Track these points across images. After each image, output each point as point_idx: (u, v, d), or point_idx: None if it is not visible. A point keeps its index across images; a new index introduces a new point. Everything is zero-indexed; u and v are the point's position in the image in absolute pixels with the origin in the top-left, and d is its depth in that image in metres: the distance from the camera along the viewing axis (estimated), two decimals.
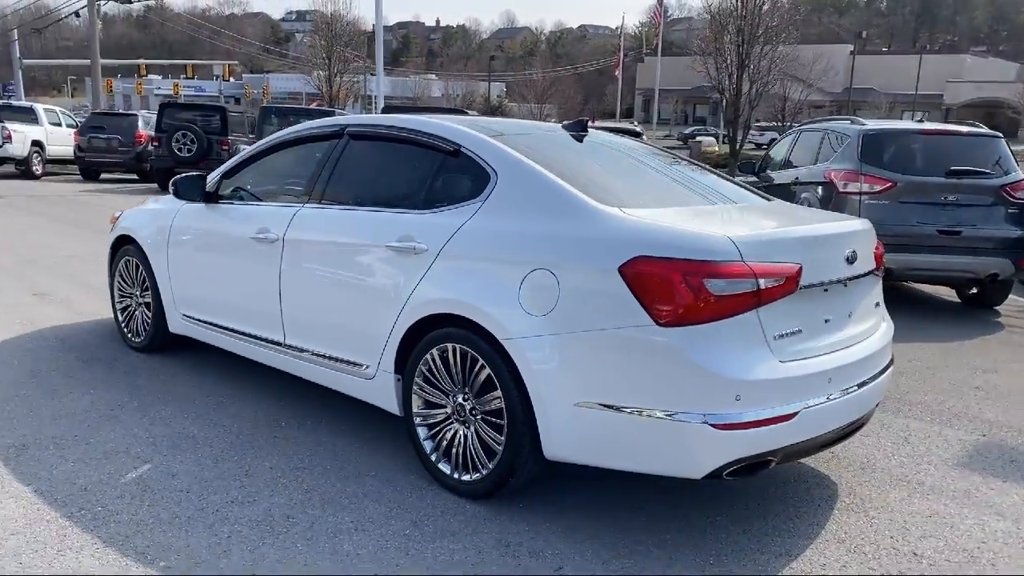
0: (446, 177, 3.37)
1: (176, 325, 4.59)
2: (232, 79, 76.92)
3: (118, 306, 5.03)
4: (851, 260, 2.99)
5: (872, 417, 3.36)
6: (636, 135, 9.61)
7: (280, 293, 3.77)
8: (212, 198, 4.32)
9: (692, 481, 2.78)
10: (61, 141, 18.45)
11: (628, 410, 2.66)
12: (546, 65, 76.26)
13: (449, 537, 2.81)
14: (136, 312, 4.88)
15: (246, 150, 4.41)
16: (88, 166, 17.93)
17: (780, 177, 8.38)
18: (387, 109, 18.86)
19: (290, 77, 69.40)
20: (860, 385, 2.99)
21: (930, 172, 6.82)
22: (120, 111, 23.79)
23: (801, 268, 2.75)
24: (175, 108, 17.32)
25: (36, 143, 17.67)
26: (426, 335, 3.16)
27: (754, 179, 9.17)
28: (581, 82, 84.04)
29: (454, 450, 3.12)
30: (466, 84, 73.07)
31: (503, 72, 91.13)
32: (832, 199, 6.94)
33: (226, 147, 15.57)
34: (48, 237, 9.44)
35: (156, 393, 4.16)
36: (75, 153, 17.91)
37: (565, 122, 3.90)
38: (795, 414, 2.69)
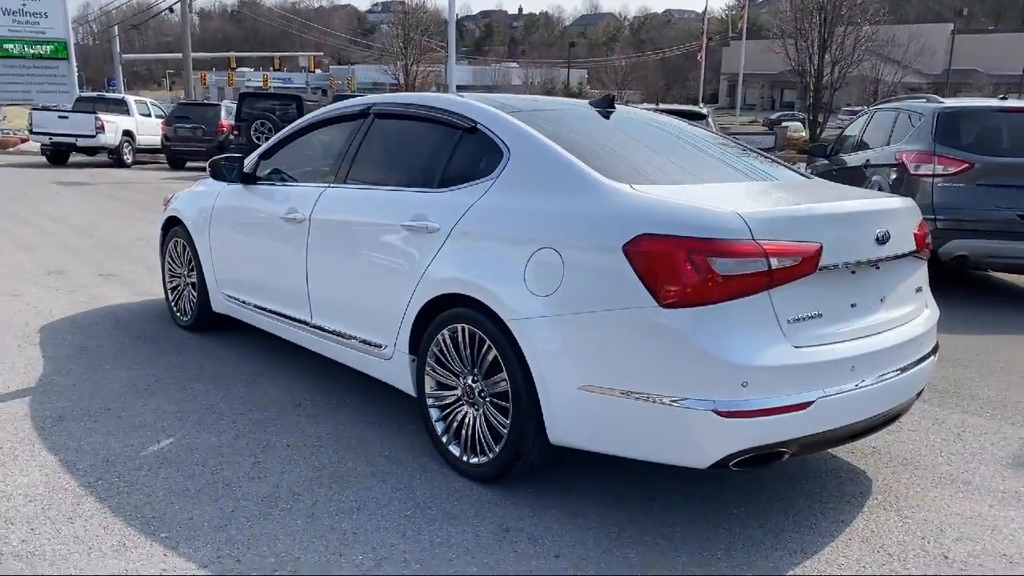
0: (462, 155, 3.31)
1: (218, 305, 4.69)
2: (320, 71, 78.87)
3: (168, 286, 5.18)
4: (882, 240, 2.78)
5: (912, 407, 3.14)
6: (699, 117, 9.32)
7: (307, 272, 3.80)
8: (250, 179, 4.38)
9: (710, 471, 2.65)
10: (150, 131, 19.25)
11: (631, 395, 2.55)
12: (629, 51, 75.24)
13: (450, 520, 2.76)
14: (184, 291, 5.02)
15: (282, 131, 4.46)
16: (174, 154, 18.64)
17: (852, 159, 8.00)
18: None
19: (374, 68, 70.64)
20: (892, 374, 2.79)
21: (1012, 153, 6.37)
22: (204, 101, 24.62)
23: (821, 248, 2.57)
24: (254, 98, 17.81)
25: (127, 133, 18.49)
26: (438, 315, 3.11)
27: (825, 162, 8.79)
28: (665, 67, 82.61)
29: (464, 432, 3.07)
30: (545, 71, 72.74)
31: (585, 59, 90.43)
32: (903, 182, 6.57)
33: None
34: (125, 222, 9.85)
35: (193, 370, 4.25)
36: (162, 142, 18.65)
37: (591, 99, 3.77)
38: (810, 403, 2.52)
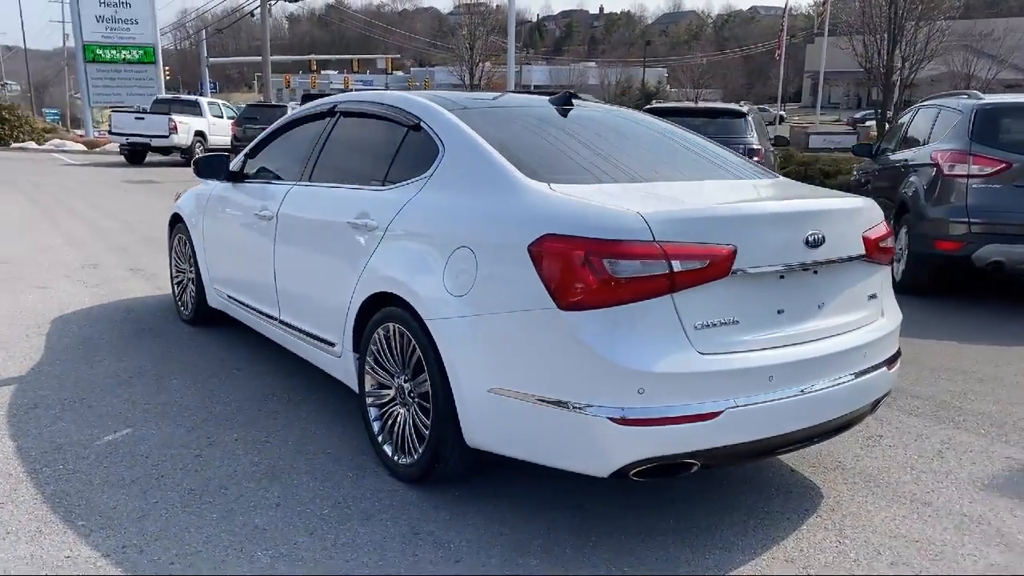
0: (406, 152, 3.29)
1: (213, 300, 4.81)
2: (401, 72, 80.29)
3: (174, 281, 5.35)
4: (815, 243, 2.62)
5: (895, 421, 2.98)
6: (739, 115, 9.04)
7: (274, 269, 3.85)
8: (237, 177, 4.47)
9: (643, 482, 2.55)
10: (222, 132, 19.97)
11: (536, 399, 2.48)
12: (710, 49, 73.79)
13: (363, 521, 2.75)
14: (187, 287, 5.16)
15: (266, 130, 4.53)
16: None
17: (893, 159, 7.62)
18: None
19: (452, 70, 71.67)
20: (825, 386, 2.63)
21: None
22: (272, 103, 25.35)
23: (735, 250, 2.45)
24: (311, 99, 18.19)
25: (199, 133, 19.23)
26: (374, 314, 3.11)
27: (868, 161, 8.42)
28: (748, 66, 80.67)
29: (395, 432, 3.06)
30: (622, 70, 72.06)
31: (666, 57, 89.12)
32: (938, 183, 6.22)
33: None
34: None
35: (180, 363, 4.37)
36: (231, 142, 19.29)
37: (551, 96, 3.68)
38: (718, 413, 2.39)
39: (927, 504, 2.98)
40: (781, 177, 3.49)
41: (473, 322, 2.63)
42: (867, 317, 2.89)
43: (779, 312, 2.61)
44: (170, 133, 18.16)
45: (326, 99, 4.08)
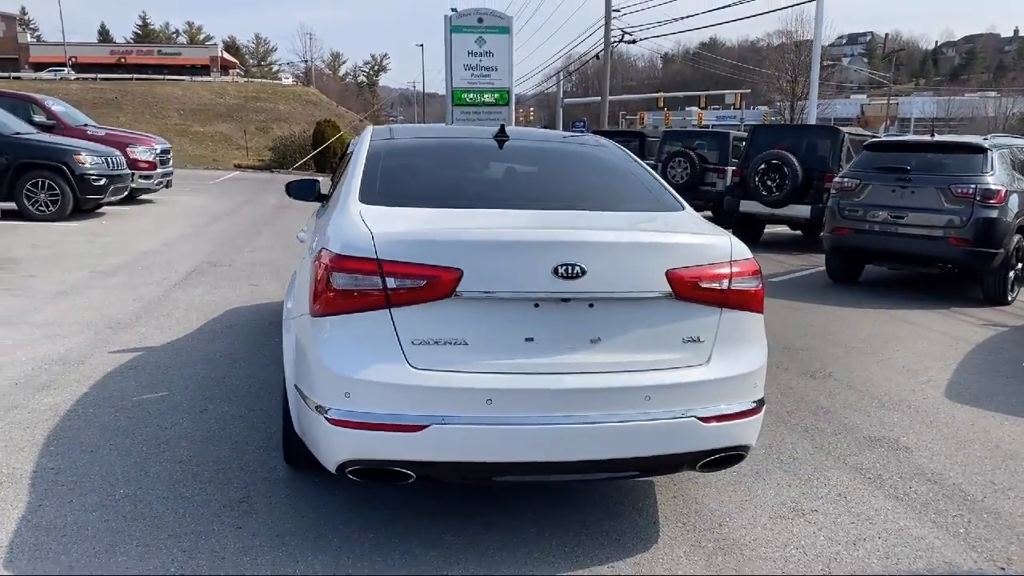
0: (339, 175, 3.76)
1: None
2: (766, 107, 78.24)
3: None
4: (568, 275, 2.53)
5: (676, 470, 2.84)
6: (977, 150, 7.72)
7: None
8: (324, 199, 5.27)
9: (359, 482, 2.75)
10: None
11: (302, 394, 2.76)
12: None
13: (173, 502, 3.15)
14: None
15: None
16: None
17: None
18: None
19: (834, 103, 68.11)
20: (582, 422, 2.54)
21: None
22: None
23: (461, 274, 2.51)
24: (601, 135, 18.95)
25: None
26: None
27: None
28: None
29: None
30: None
31: None
32: None
33: None
34: None
35: (207, 352, 5.24)
36: None
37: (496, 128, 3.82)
38: (424, 427, 2.48)
39: None
40: (674, 213, 3.24)
41: (288, 323, 3.02)
42: (673, 360, 2.67)
43: (527, 340, 2.58)
44: None
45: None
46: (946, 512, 3.27)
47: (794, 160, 11.37)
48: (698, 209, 14.78)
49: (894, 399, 4.73)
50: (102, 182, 11.81)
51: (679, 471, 3.01)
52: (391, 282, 2.53)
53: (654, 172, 3.71)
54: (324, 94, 78.53)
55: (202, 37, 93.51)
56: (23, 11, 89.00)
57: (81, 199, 11.65)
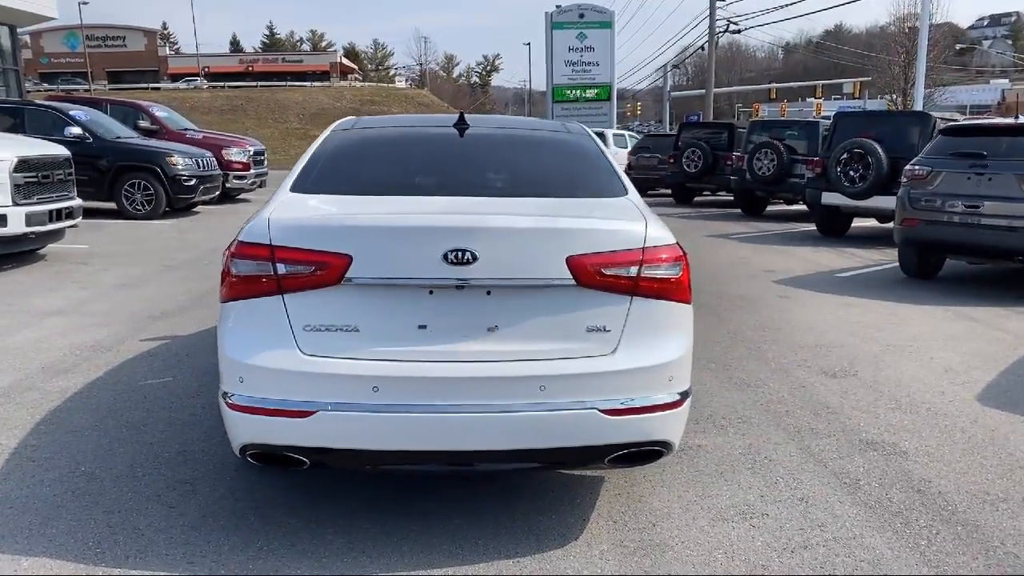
0: None
1: None
2: (890, 96, 74.06)
3: None
4: (458, 261, 2.48)
5: (584, 464, 2.74)
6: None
7: None
8: None
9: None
10: (621, 161, 21.35)
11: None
12: None
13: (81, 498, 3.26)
14: None
15: None
16: (635, 183, 20.28)
17: None
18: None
19: (965, 89, 63.68)
20: (474, 411, 2.49)
21: None
22: (666, 132, 25.93)
23: (350, 259, 2.51)
24: (690, 127, 18.45)
25: None
26: None
27: None
28: None
29: None
30: None
31: None
32: None
33: (729, 162, 16.02)
34: None
35: None
36: (626, 171, 20.58)
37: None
38: (311, 413, 2.50)
39: None
40: (607, 199, 3.11)
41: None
42: (575, 350, 2.57)
43: (420, 327, 2.55)
44: None
45: None
46: (915, 523, 3.00)
47: (878, 148, 10.67)
48: (788, 203, 14.37)
49: (914, 401, 4.36)
50: (192, 182, 12.52)
51: (588, 465, 2.90)
52: (281, 268, 2.55)
53: (612, 161, 3.57)
54: (437, 96, 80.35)
55: (324, 44, 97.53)
56: (164, 25, 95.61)
57: (173, 198, 12.39)
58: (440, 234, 2.54)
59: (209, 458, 3.47)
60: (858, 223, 12.23)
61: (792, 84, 55.69)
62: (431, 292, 2.55)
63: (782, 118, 33.12)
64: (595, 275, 2.57)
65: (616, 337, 2.62)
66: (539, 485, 3.23)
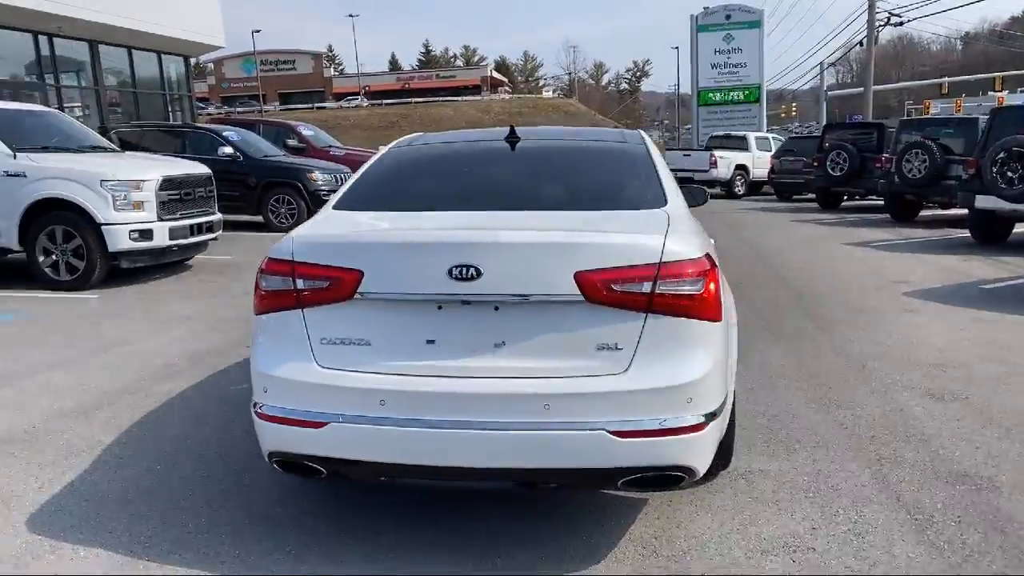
0: None
1: None
2: None
3: None
4: (463, 277, 2.47)
5: (592, 486, 2.65)
6: None
7: None
8: None
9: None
10: (766, 165, 20.54)
11: None
12: None
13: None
14: None
15: None
16: (779, 187, 19.53)
17: None
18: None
19: None
20: (480, 428, 2.48)
21: None
22: (810, 134, 24.47)
23: (361, 275, 2.57)
24: (836, 128, 17.38)
25: (740, 167, 20.23)
26: None
27: None
28: None
29: None
30: None
31: None
32: None
33: (879, 164, 15.02)
34: None
35: None
36: (768, 175, 19.78)
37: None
38: (324, 424, 2.58)
39: None
40: (651, 210, 2.96)
41: None
42: (584, 368, 2.50)
43: (429, 342, 2.57)
44: (710, 168, 19.60)
45: None
46: (985, 567, 2.67)
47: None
48: (943, 207, 13.48)
49: None
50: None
51: (599, 488, 2.79)
52: (300, 283, 2.66)
53: (661, 170, 3.39)
54: (586, 104, 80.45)
55: (476, 59, 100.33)
56: (329, 48, 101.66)
57: (314, 212, 13.13)
58: (445, 249, 2.56)
59: (266, 464, 3.64)
60: (1021, 229, 11.11)
61: (968, 77, 51.16)
62: (440, 307, 2.57)
63: (935, 115, 30.67)
64: (604, 291, 2.49)
65: (629, 355, 2.52)
66: (578, 504, 3.16)
